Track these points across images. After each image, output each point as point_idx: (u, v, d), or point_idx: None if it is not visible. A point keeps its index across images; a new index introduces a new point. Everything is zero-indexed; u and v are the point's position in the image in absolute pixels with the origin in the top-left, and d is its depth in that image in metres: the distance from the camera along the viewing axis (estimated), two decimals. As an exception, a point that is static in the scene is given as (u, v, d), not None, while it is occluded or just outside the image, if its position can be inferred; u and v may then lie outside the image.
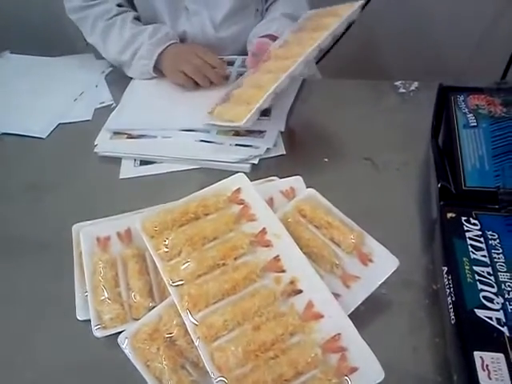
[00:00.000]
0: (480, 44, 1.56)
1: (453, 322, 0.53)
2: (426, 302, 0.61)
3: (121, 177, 0.84)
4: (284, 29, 0.96)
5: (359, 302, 0.58)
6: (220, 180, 0.67)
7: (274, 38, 0.95)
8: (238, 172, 0.68)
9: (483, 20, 1.50)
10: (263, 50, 0.92)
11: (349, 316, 0.54)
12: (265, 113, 0.90)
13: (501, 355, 0.49)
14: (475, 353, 0.49)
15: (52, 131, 0.96)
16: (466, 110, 0.76)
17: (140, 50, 1.02)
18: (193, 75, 0.97)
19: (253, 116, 0.79)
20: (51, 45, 1.23)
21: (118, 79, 1.07)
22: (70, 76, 1.12)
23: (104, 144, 0.89)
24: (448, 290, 0.56)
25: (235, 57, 1.08)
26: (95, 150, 0.88)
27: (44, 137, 0.95)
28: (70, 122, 0.98)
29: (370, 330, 0.56)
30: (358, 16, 0.80)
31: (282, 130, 0.87)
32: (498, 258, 0.57)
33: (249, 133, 0.87)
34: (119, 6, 1.07)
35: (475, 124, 0.73)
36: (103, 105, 1.02)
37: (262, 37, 0.98)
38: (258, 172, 0.80)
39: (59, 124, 0.98)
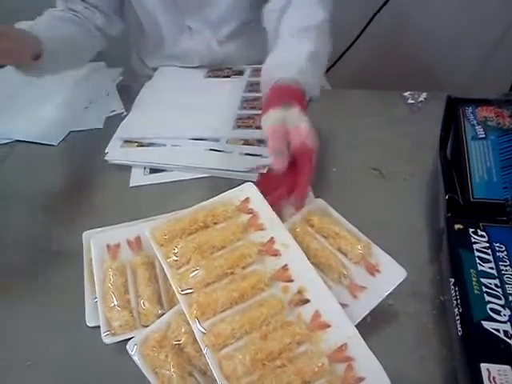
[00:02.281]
0: (488, 55, 1.56)
1: (460, 333, 0.53)
2: (433, 312, 0.61)
3: (131, 185, 0.85)
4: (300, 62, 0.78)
5: (366, 313, 0.58)
6: (229, 189, 0.67)
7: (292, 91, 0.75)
8: (246, 181, 0.69)
9: (491, 31, 1.51)
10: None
11: (356, 326, 0.54)
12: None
13: (507, 367, 0.49)
14: (482, 365, 0.49)
15: (63, 139, 0.98)
16: (475, 121, 0.76)
17: None
18: None
19: None
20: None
21: (129, 88, 1.09)
22: (81, 84, 1.13)
23: (114, 152, 0.90)
24: (455, 302, 0.56)
25: (244, 66, 1.09)
26: (106, 158, 0.89)
27: (55, 144, 0.96)
28: (81, 130, 1.00)
29: (377, 340, 0.57)
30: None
31: (291, 139, 0.87)
32: (506, 270, 0.57)
33: (258, 142, 0.87)
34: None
35: (483, 136, 0.73)
36: (114, 113, 1.03)
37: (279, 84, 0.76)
38: (266, 181, 0.81)
39: (70, 132, 0.99)
